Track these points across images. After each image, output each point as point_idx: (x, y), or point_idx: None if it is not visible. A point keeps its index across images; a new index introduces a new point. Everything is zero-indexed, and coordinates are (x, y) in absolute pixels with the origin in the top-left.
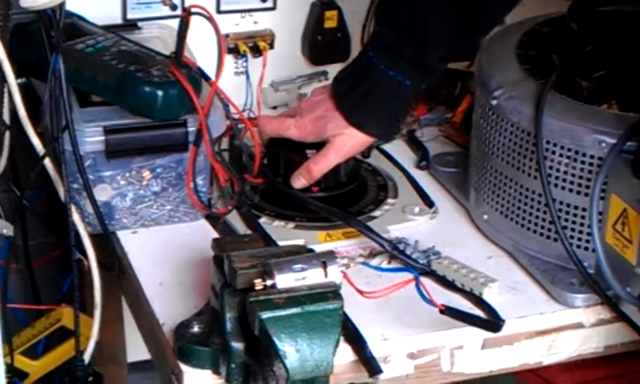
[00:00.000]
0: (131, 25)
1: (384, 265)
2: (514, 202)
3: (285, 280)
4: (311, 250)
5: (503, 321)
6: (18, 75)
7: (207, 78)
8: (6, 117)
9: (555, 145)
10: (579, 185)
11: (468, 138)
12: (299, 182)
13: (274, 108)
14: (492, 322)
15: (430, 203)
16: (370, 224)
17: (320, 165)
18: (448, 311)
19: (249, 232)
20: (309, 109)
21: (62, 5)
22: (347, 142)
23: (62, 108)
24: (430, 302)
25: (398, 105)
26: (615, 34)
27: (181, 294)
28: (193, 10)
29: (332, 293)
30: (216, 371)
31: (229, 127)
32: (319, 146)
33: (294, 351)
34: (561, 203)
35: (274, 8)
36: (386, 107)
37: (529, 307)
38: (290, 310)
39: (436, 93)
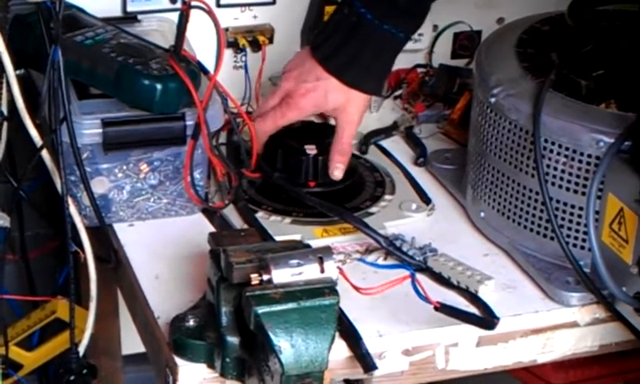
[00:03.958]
0: (131, 17)
1: (380, 261)
2: (510, 199)
3: (281, 275)
4: (308, 246)
5: (498, 318)
6: (16, 66)
7: (206, 72)
8: (4, 108)
9: (553, 143)
10: (576, 184)
11: (466, 135)
12: (340, 171)
13: None
14: (487, 319)
15: (427, 200)
16: (367, 220)
17: (347, 146)
18: (443, 308)
19: (245, 226)
20: (296, 82)
21: None
22: (355, 111)
23: (60, 100)
24: (426, 299)
25: (389, 57)
26: (615, 33)
27: (176, 288)
28: (193, 3)
29: (328, 288)
30: (211, 365)
31: (227, 121)
32: (318, 139)
33: (290, 346)
34: (558, 202)
35: (273, 2)
36: (379, 61)
37: (524, 305)
38: (285, 305)
39: (435, 90)
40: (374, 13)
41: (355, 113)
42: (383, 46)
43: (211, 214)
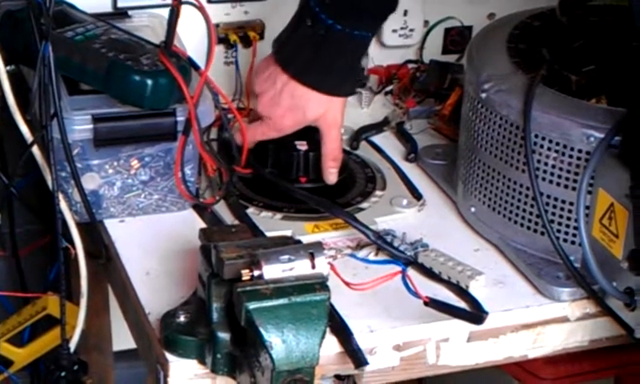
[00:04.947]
0: (121, 13)
1: (371, 257)
2: (501, 195)
3: (272, 271)
4: (299, 241)
5: (486, 313)
6: (7, 62)
7: (197, 68)
8: None
9: (543, 138)
10: (567, 179)
11: (457, 130)
12: (334, 176)
13: None
14: (475, 314)
15: (417, 196)
16: (358, 216)
17: (337, 150)
18: (432, 303)
19: (236, 222)
20: (271, 105)
21: None
22: (335, 114)
23: (50, 96)
24: (415, 294)
25: (360, 57)
26: (605, 28)
27: (167, 284)
28: None
29: (319, 284)
30: (202, 361)
31: (218, 117)
32: (308, 135)
33: (281, 342)
34: (548, 197)
35: None
36: (353, 65)
37: (515, 300)
38: (276, 300)
39: (425, 85)
40: (342, 23)
41: (337, 116)
42: (356, 50)
43: (202, 209)
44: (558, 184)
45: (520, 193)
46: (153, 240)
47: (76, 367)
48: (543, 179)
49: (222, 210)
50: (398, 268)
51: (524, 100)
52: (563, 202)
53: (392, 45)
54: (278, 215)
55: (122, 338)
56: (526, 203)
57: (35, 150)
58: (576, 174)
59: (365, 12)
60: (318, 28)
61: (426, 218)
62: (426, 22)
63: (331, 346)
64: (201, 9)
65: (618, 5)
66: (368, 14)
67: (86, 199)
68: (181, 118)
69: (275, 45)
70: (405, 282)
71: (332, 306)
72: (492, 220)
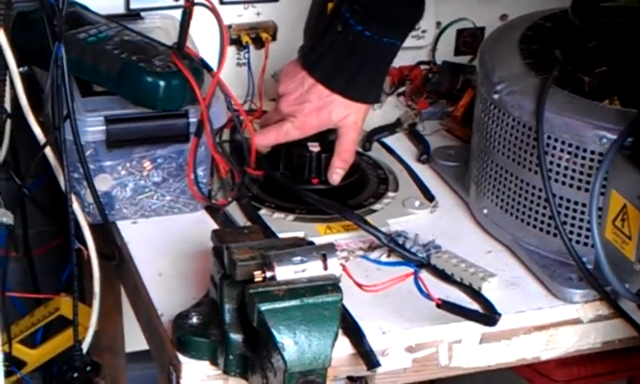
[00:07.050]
0: (134, 15)
1: (383, 258)
2: (514, 196)
3: (284, 272)
4: (311, 243)
5: (499, 315)
6: (19, 64)
7: (209, 69)
8: (8, 105)
9: (556, 140)
10: (579, 180)
11: (469, 131)
12: (338, 176)
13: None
14: (488, 315)
15: (430, 197)
16: (370, 217)
17: (349, 152)
18: (445, 305)
19: (249, 224)
20: (297, 104)
21: None
22: (357, 118)
23: (63, 97)
24: (428, 296)
25: (388, 64)
26: (618, 30)
27: (180, 285)
28: (196, 0)
29: (331, 285)
30: (214, 362)
31: (230, 119)
32: (321, 137)
33: (293, 343)
34: (561, 198)
35: (276, 0)
36: (380, 71)
37: (527, 302)
38: (289, 302)
39: (438, 87)
40: (371, 29)
41: (358, 120)
42: (384, 57)
43: (214, 211)
44: (571, 185)
45: (532, 194)
46: (165, 241)
47: (88, 368)
48: (556, 181)
49: (235, 211)
50: (411, 269)
51: (536, 101)
52: (576, 203)
53: (404, 46)
54: (290, 216)
55: (135, 340)
56: (538, 205)
57: (48, 151)
58: (589, 175)
59: (394, 19)
60: (347, 34)
61: (438, 220)
62: (439, 24)
63: (343, 347)
64: (213, 10)
65: (631, 6)
66: (397, 21)
67: (99, 200)
68: (193, 120)
69: (301, 50)
70: (417, 284)
71: (344, 307)
72: (504, 221)
